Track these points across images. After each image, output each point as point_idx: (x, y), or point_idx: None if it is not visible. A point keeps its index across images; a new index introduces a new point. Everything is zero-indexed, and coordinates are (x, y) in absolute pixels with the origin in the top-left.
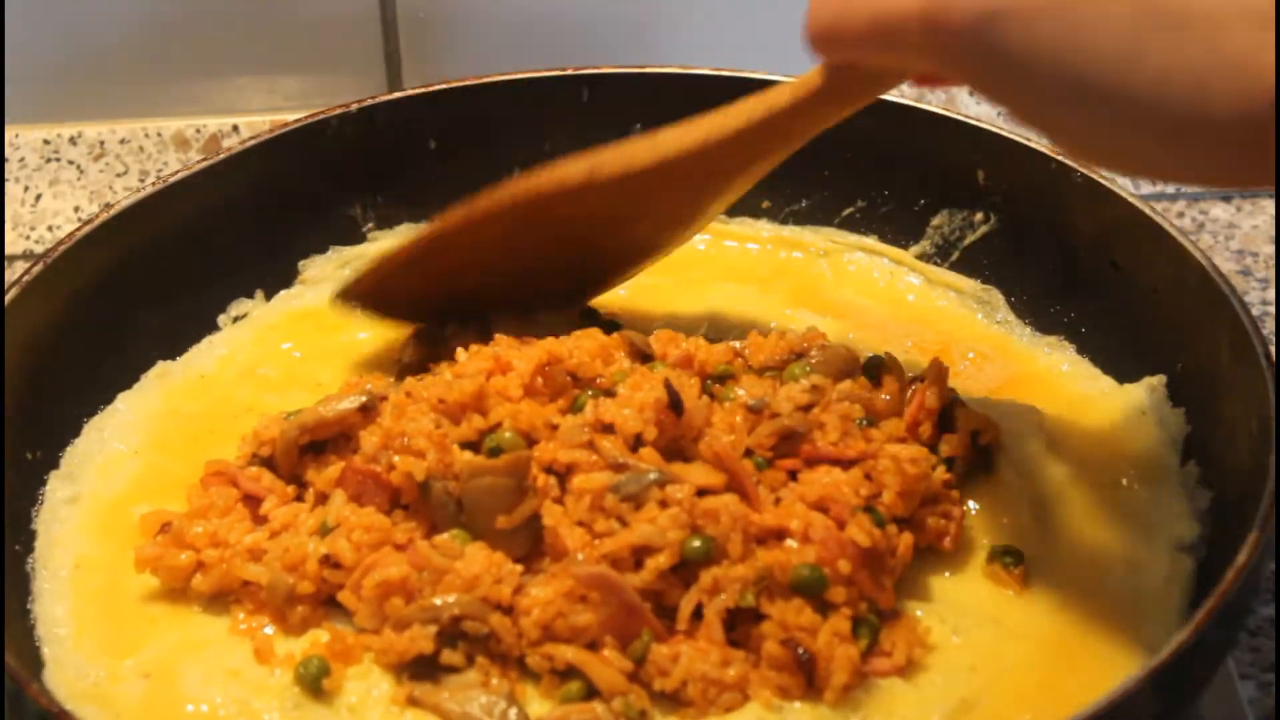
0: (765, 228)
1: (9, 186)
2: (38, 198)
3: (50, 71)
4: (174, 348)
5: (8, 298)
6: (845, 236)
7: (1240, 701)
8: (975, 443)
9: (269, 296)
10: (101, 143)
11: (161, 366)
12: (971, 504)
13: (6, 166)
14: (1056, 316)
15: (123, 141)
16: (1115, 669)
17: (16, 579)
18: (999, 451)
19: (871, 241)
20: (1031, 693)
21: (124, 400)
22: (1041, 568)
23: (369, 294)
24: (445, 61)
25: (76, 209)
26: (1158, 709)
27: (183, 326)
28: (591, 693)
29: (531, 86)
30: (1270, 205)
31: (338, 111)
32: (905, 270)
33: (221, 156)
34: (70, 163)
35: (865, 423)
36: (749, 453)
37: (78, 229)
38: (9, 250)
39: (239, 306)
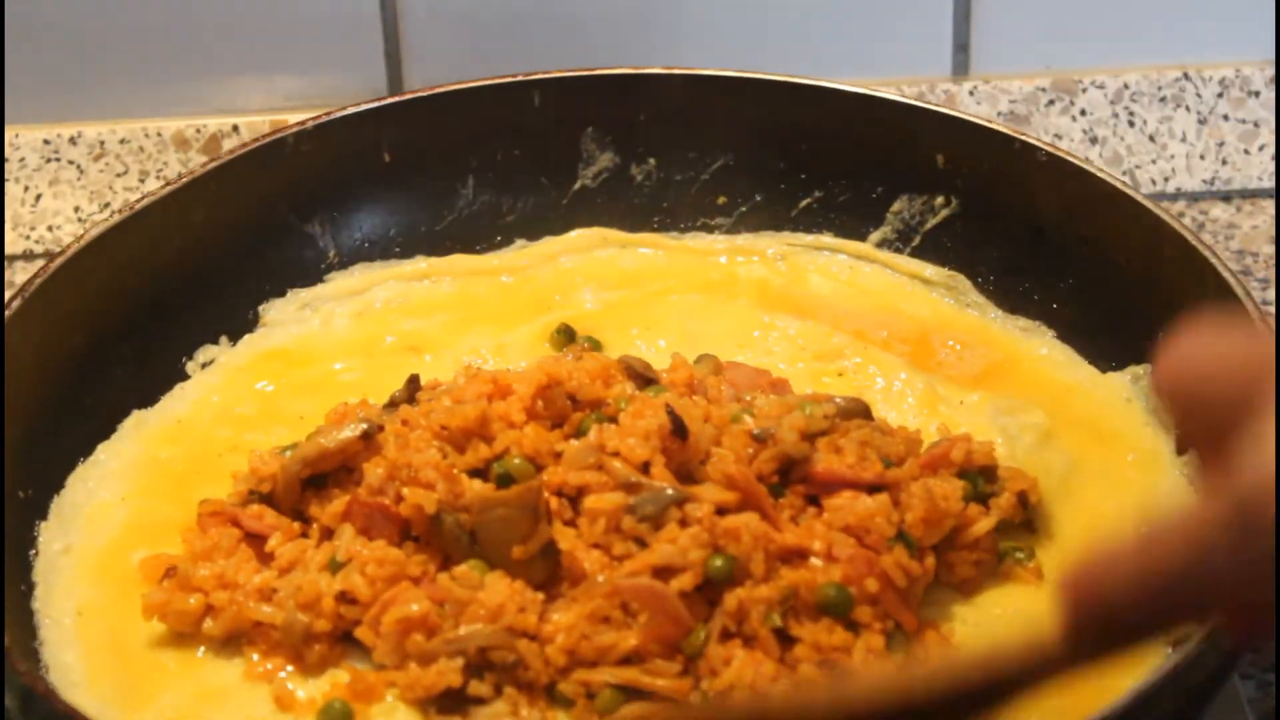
0: (720, 240)
1: (9, 186)
2: (38, 198)
3: (50, 71)
4: (147, 397)
5: None
6: (800, 238)
7: (1240, 701)
8: (1023, 502)
9: (234, 341)
10: (101, 143)
11: (137, 416)
12: None
13: (6, 166)
14: (1026, 295)
15: (123, 141)
16: (1133, 664)
17: (23, 622)
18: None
19: (828, 239)
20: (1060, 684)
21: (104, 450)
22: (1055, 560)
23: None
24: (446, 62)
25: (76, 209)
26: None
27: (153, 376)
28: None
29: (480, 94)
30: (1270, 205)
31: (294, 129)
32: (865, 263)
33: (183, 181)
34: (70, 163)
35: (885, 464)
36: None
37: (42, 269)
38: (9, 250)
39: (205, 353)
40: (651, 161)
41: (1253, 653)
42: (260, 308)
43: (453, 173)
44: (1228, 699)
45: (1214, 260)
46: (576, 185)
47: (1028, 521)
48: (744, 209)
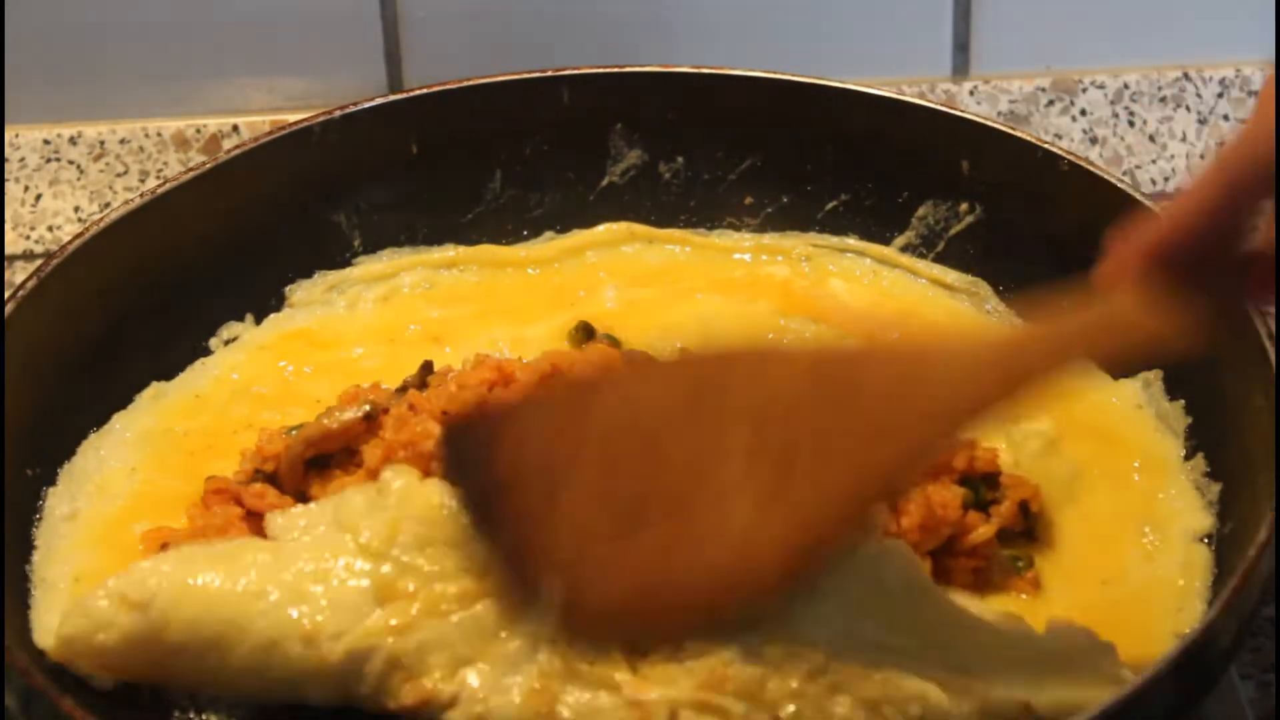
0: (746, 238)
1: (9, 186)
2: (38, 198)
3: (50, 71)
4: (167, 370)
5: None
6: (826, 240)
7: (1240, 701)
8: (1024, 511)
9: (259, 320)
10: (101, 143)
11: (156, 388)
12: None
13: (6, 166)
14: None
15: (123, 141)
16: (1141, 660)
17: (16, 587)
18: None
19: (853, 241)
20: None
21: (120, 420)
22: (1054, 568)
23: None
24: (446, 61)
25: (76, 209)
26: (1189, 684)
27: (175, 350)
28: None
29: (510, 89)
30: (1270, 206)
31: (321, 118)
32: (888, 267)
33: (207, 166)
34: (70, 163)
35: None
36: None
37: (65, 245)
38: (9, 250)
39: (229, 330)
40: (680, 160)
41: (1252, 652)
42: (287, 289)
43: (480, 166)
44: (1228, 699)
45: None
46: (604, 182)
47: (1028, 530)
48: (770, 210)
